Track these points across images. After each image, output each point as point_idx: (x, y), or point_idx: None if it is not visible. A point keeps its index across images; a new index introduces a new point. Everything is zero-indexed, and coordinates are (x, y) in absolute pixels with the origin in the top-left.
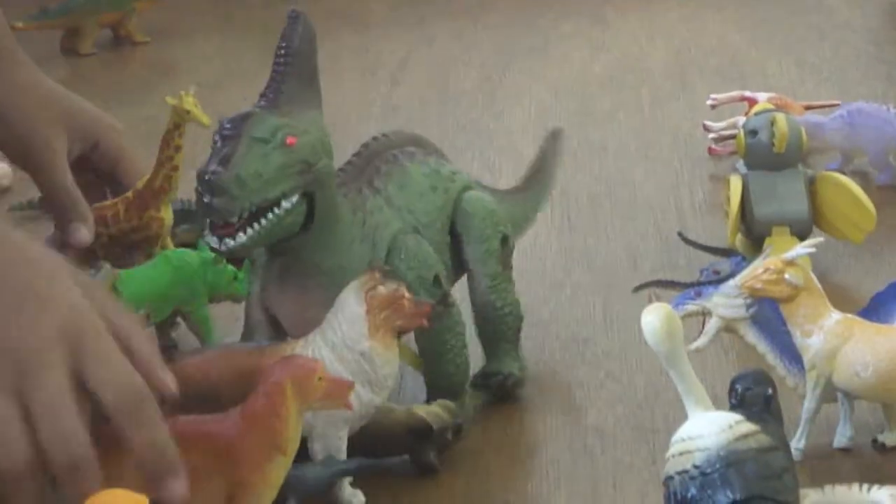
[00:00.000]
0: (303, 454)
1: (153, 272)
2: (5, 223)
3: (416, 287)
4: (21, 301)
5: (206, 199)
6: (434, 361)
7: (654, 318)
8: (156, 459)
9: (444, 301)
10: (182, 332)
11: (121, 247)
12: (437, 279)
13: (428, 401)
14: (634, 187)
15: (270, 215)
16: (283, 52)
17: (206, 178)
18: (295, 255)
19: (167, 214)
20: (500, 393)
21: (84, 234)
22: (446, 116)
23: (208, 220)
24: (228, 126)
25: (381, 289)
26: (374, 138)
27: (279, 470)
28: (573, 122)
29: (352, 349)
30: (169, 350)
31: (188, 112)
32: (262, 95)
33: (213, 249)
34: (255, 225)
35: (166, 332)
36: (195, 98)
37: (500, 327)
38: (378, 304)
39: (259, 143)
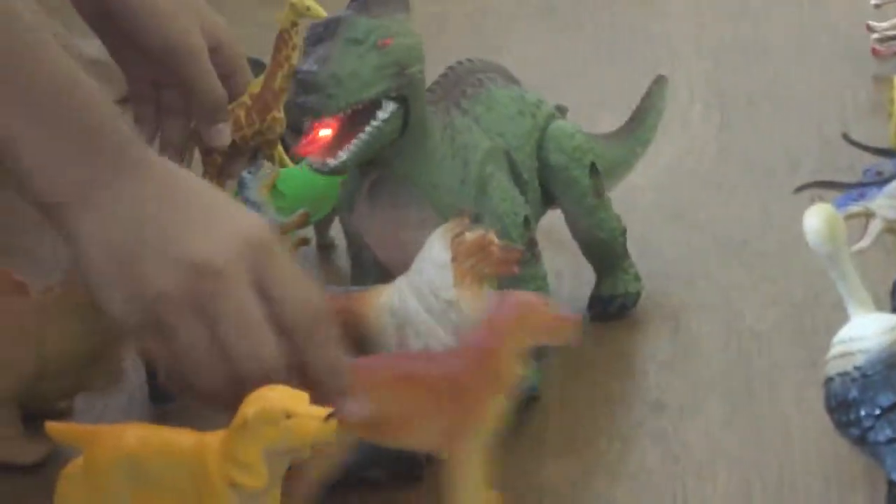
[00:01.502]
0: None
1: (312, 172)
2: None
3: (507, 224)
4: (207, 218)
5: (300, 98)
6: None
7: (816, 219)
8: (330, 379)
9: (531, 246)
10: (337, 230)
11: (240, 152)
12: (526, 220)
13: None
14: (794, 87)
15: (369, 128)
16: None
17: (301, 76)
18: (386, 168)
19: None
20: (621, 315)
21: (228, 135)
22: (602, 18)
23: (303, 127)
24: (321, 28)
25: (469, 235)
26: (459, 62)
27: (498, 409)
28: (730, 21)
29: (438, 297)
30: (326, 249)
31: (308, 8)
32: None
33: (316, 170)
34: (356, 140)
35: (325, 231)
36: None
37: (603, 252)
38: (465, 251)
39: (353, 44)
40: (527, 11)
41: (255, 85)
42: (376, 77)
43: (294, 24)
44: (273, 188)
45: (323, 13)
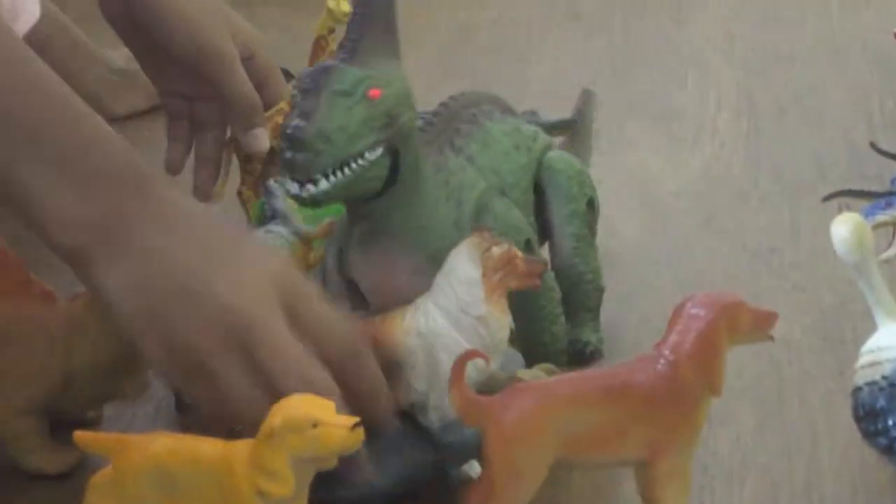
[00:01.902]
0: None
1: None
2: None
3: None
4: (233, 261)
5: (288, 155)
6: (529, 329)
7: (844, 228)
8: (373, 404)
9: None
10: None
11: (277, 159)
12: (528, 243)
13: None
14: (823, 96)
15: (354, 165)
16: (359, 1)
17: (289, 132)
18: (378, 216)
19: None
20: (577, 360)
21: (266, 139)
22: (630, 24)
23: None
24: (308, 80)
25: (496, 249)
26: (452, 97)
27: (705, 411)
28: (759, 29)
29: (468, 314)
30: None
31: (345, 14)
32: (341, 48)
33: (293, 197)
34: (339, 173)
35: None
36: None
37: (581, 294)
38: (493, 265)
39: (341, 97)
40: (554, 19)
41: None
42: (364, 130)
43: (331, 31)
44: None
45: None
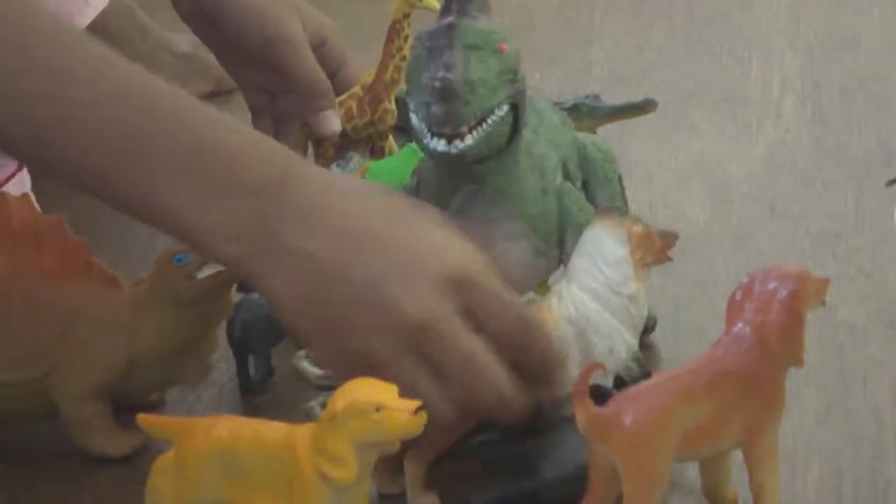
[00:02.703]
0: None
1: (402, 164)
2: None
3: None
4: (404, 258)
5: (436, 107)
6: None
7: None
8: (551, 378)
9: None
10: None
11: (352, 143)
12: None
13: None
14: (888, 81)
15: (490, 119)
16: None
17: (437, 84)
18: (487, 178)
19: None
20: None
21: (337, 122)
22: (694, 9)
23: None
24: (435, 37)
25: (637, 227)
26: None
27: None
28: (824, 14)
29: (619, 293)
30: None
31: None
32: (447, 5)
33: (440, 154)
34: (480, 127)
35: None
36: None
37: None
38: (636, 243)
39: (474, 50)
40: (617, 3)
41: (368, 76)
42: (500, 82)
43: (406, 16)
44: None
45: (436, 4)
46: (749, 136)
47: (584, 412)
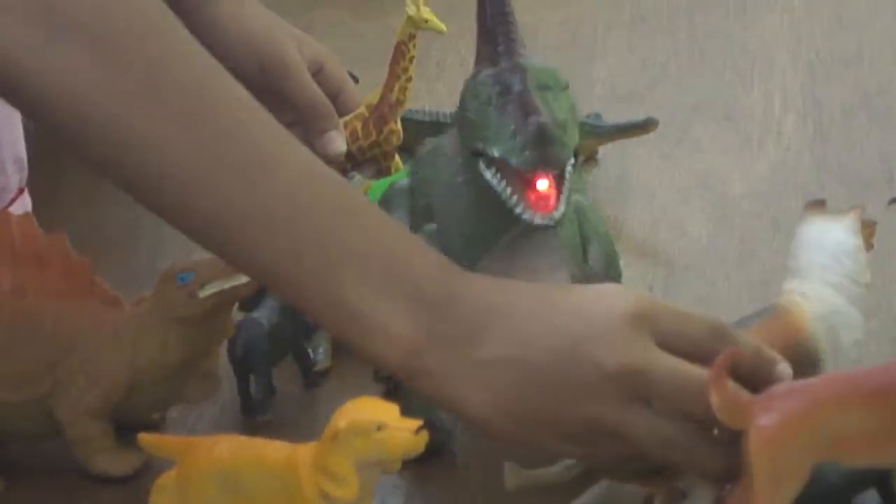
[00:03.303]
0: None
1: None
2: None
3: (609, 243)
4: (577, 320)
5: (532, 152)
6: None
7: None
8: (761, 365)
9: None
10: None
11: (358, 164)
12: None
13: None
14: (890, 97)
15: (569, 173)
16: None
17: (542, 127)
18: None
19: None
20: None
21: (341, 142)
22: (696, 25)
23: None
24: (505, 79)
25: (863, 216)
26: None
27: None
28: (826, 31)
29: (858, 284)
30: None
31: (426, 21)
32: (501, 45)
33: (540, 226)
34: (564, 188)
35: None
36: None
37: None
38: (864, 233)
39: (548, 91)
40: (620, 20)
41: (373, 96)
42: (574, 121)
43: (412, 37)
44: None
45: (442, 26)
46: (751, 153)
47: (721, 395)
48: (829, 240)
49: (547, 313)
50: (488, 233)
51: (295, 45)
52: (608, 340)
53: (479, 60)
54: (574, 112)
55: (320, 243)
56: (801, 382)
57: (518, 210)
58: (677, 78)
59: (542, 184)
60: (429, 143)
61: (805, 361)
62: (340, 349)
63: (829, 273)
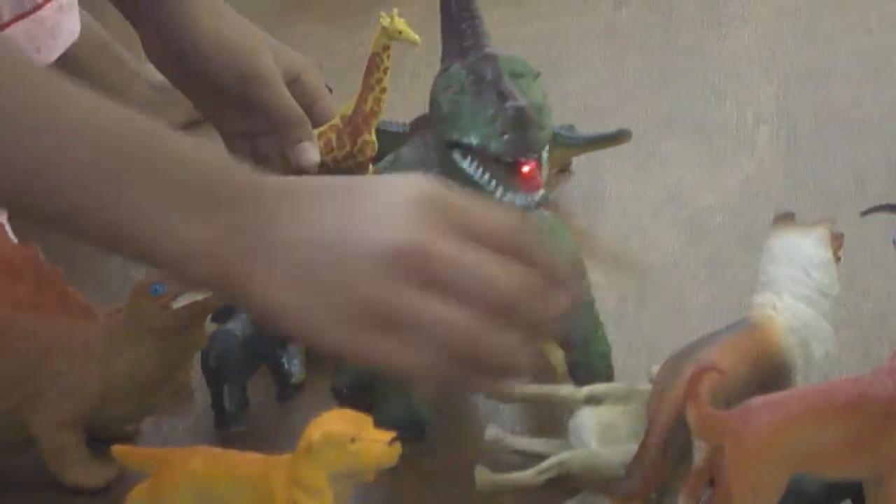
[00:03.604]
0: None
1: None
2: None
3: (575, 265)
4: (365, 204)
5: (511, 136)
6: (591, 342)
7: None
8: (554, 273)
9: None
10: None
11: (331, 175)
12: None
13: None
14: (862, 111)
15: (545, 157)
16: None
17: (521, 111)
18: None
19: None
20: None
21: (315, 153)
22: (669, 40)
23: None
24: (478, 69)
25: (833, 229)
26: None
27: None
28: (798, 45)
29: (828, 296)
30: None
31: (400, 32)
32: (462, 43)
33: (524, 208)
34: (543, 170)
35: None
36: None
37: None
38: (833, 245)
39: (521, 79)
40: (592, 34)
41: (347, 107)
42: (549, 108)
43: (386, 48)
44: None
45: (416, 38)
46: (723, 167)
47: (697, 411)
48: (800, 253)
49: (339, 195)
50: None
51: (271, 56)
52: (390, 220)
53: (447, 56)
54: (546, 99)
55: (109, 162)
56: (776, 396)
57: (499, 195)
58: (650, 92)
59: (525, 167)
60: (387, 160)
61: (777, 375)
62: (315, 361)
63: (800, 286)
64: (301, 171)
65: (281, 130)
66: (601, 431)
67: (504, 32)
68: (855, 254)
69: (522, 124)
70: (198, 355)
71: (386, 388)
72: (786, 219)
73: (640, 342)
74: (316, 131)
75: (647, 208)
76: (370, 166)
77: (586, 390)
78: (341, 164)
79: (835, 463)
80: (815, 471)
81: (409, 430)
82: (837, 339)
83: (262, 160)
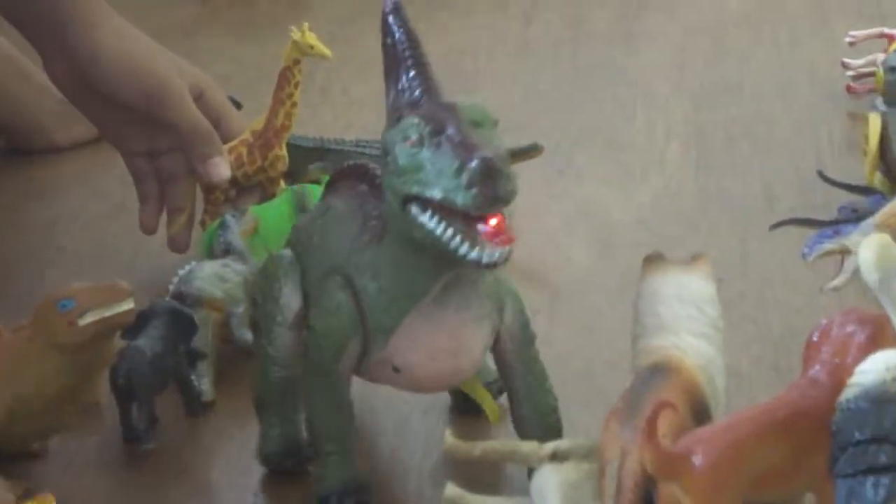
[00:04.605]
0: None
1: (285, 208)
2: None
3: (521, 311)
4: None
5: (488, 188)
6: (538, 395)
7: (868, 247)
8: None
9: None
10: None
11: (242, 190)
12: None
13: None
14: (771, 126)
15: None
16: (405, 45)
17: (491, 162)
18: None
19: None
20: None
21: (226, 168)
22: (580, 55)
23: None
24: (436, 119)
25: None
26: None
27: None
28: (708, 61)
29: (719, 329)
30: None
31: (311, 46)
32: (419, 84)
33: (490, 266)
34: (509, 221)
35: None
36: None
37: None
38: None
39: (479, 128)
40: (503, 49)
41: (258, 122)
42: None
43: (297, 62)
44: (255, 232)
45: (327, 52)
46: (634, 182)
47: (653, 451)
48: (688, 290)
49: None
50: (417, 285)
51: (176, 72)
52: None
53: (396, 106)
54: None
55: None
56: (720, 424)
57: (463, 251)
58: (561, 107)
59: (492, 220)
60: (317, 210)
61: (702, 415)
62: (224, 379)
63: (697, 323)
64: (212, 186)
65: (190, 147)
66: (565, 491)
67: None
68: (764, 268)
69: (490, 176)
70: (106, 372)
71: (324, 452)
72: (657, 258)
73: (551, 356)
74: (226, 146)
75: (559, 222)
76: (281, 182)
77: (550, 447)
78: (252, 179)
79: (778, 483)
80: (762, 495)
81: (352, 496)
82: (748, 354)
83: (166, 178)
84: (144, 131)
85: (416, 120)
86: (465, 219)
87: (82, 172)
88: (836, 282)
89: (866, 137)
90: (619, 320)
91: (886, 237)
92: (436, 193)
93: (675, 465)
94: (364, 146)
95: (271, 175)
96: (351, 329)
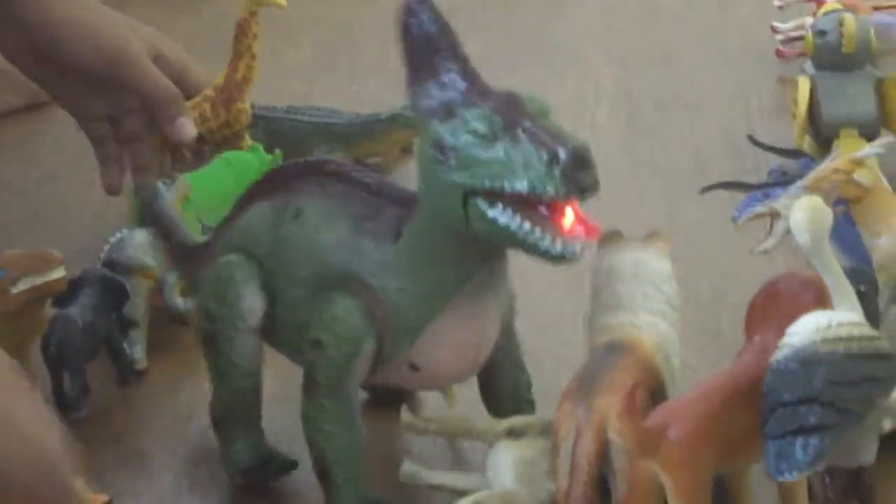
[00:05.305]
0: None
1: (219, 175)
2: None
3: (512, 302)
4: None
5: (578, 174)
6: (511, 371)
7: (800, 208)
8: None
9: None
10: None
11: (208, 146)
12: None
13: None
14: (701, 90)
15: None
16: (442, 37)
17: (575, 152)
18: (500, 257)
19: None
20: None
21: (192, 127)
22: (510, 19)
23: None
24: (506, 111)
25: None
26: None
27: None
28: (638, 26)
29: (675, 308)
30: None
31: None
32: (467, 77)
33: (567, 259)
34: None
35: None
36: None
37: None
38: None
39: (546, 118)
40: None
41: (219, 77)
42: None
43: (253, 14)
44: (186, 200)
45: (283, 3)
46: None
47: (632, 428)
48: (646, 268)
49: None
50: (448, 282)
51: (136, 36)
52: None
53: (445, 100)
54: None
55: None
56: (688, 396)
57: (544, 245)
58: (491, 71)
59: (571, 211)
60: (289, 213)
61: (658, 394)
62: (156, 347)
63: (653, 301)
64: (179, 146)
65: (154, 108)
66: (520, 468)
67: (347, 17)
68: (694, 231)
69: (585, 163)
70: (38, 340)
71: (336, 481)
72: (615, 236)
73: None
74: (189, 103)
75: None
76: (245, 135)
77: (506, 423)
78: (217, 134)
79: (744, 451)
80: (728, 465)
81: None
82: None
83: (128, 139)
84: (102, 96)
85: (484, 112)
86: (538, 212)
87: (13, 140)
88: (766, 244)
89: (795, 101)
90: (552, 287)
91: (818, 199)
92: (521, 185)
93: (651, 440)
94: (295, 113)
95: (236, 129)
96: (364, 332)
